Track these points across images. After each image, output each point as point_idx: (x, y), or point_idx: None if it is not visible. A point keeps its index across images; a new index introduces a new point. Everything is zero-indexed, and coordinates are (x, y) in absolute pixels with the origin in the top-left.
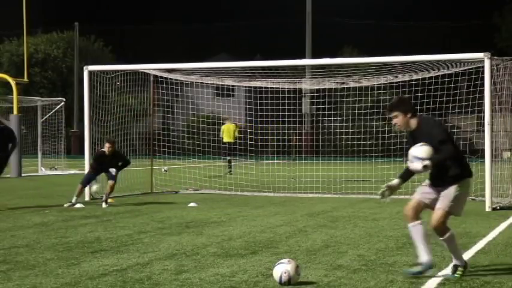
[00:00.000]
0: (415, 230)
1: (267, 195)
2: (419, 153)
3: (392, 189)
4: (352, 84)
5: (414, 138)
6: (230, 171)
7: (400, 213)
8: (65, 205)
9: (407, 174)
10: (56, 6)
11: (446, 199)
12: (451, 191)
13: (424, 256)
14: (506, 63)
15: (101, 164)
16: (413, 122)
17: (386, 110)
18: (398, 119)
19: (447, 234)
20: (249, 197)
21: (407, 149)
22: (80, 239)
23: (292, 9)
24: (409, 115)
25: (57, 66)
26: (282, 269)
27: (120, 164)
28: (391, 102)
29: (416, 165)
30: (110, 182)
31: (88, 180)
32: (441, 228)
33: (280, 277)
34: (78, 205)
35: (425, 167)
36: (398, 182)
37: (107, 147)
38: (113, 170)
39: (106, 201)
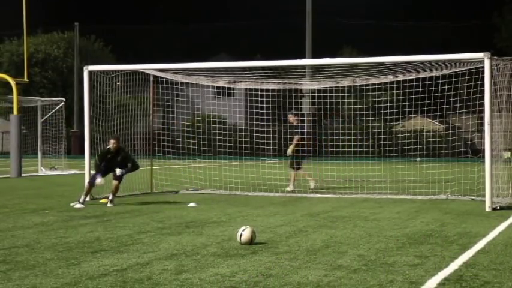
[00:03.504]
0: None
1: (267, 195)
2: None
3: None
4: (352, 84)
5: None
6: None
7: (400, 213)
8: (72, 204)
9: None
10: (56, 6)
11: None
12: None
13: None
14: (506, 63)
15: (107, 161)
16: None
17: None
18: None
19: None
20: (249, 197)
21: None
22: (80, 239)
23: (292, 9)
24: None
25: (58, 66)
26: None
27: (129, 165)
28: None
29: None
30: (114, 182)
31: (94, 178)
32: None
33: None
34: (78, 205)
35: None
36: None
37: (111, 143)
38: (118, 170)
39: (112, 201)
